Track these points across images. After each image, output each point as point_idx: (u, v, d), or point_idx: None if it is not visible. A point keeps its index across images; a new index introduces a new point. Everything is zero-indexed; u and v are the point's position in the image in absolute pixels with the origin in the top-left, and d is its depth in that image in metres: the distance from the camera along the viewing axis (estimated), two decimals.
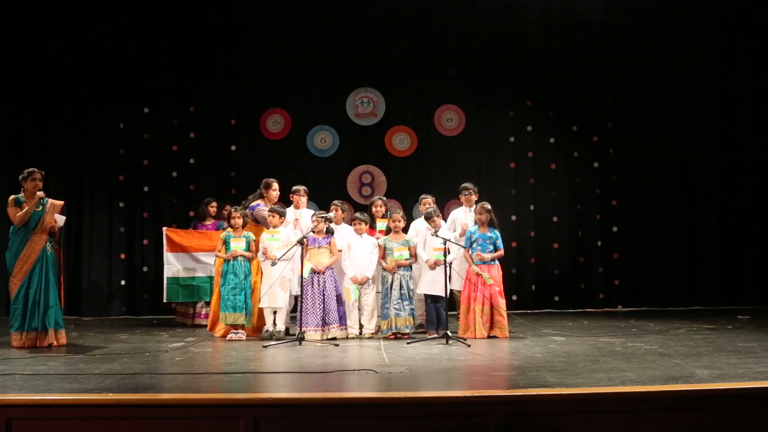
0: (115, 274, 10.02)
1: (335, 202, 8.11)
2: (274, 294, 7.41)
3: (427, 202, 8.07)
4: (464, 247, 7.51)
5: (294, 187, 8.20)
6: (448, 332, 6.89)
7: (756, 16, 10.36)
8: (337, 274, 7.60)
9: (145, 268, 10.04)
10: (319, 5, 10.25)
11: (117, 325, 8.81)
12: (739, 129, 10.52)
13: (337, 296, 7.39)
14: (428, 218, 7.61)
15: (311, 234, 7.42)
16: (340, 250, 7.63)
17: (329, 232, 7.53)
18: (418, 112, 10.54)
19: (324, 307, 7.27)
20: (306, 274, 7.21)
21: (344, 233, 7.86)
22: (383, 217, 8.07)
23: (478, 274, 7.33)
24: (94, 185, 10.13)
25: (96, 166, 10.12)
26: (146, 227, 10.11)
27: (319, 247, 7.44)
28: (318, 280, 7.32)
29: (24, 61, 10.02)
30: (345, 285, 7.57)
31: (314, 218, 7.57)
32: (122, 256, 10.05)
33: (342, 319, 7.40)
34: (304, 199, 8.18)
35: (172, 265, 8.54)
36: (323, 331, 7.22)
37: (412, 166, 10.47)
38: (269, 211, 7.65)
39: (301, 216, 8.08)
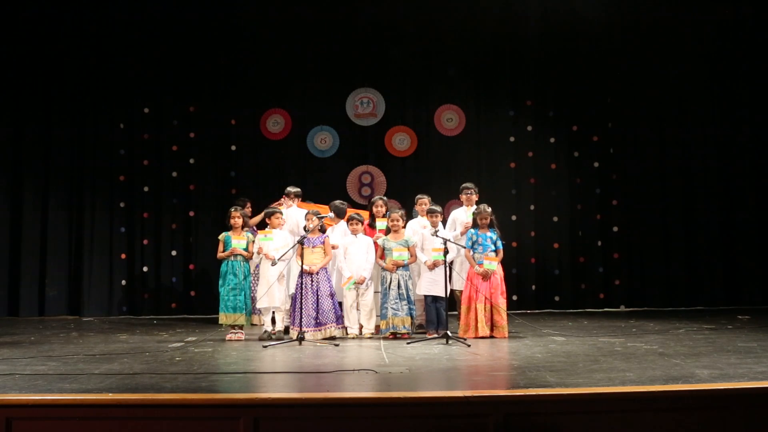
0: (115, 275, 10.01)
1: (335, 202, 8.12)
2: (273, 294, 7.41)
3: (424, 202, 8.03)
4: (465, 248, 7.50)
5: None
6: (448, 332, 6.88)
7: (757, 17, 10.36)
8: (335, 274, 7.61)
9: (145, 269, 10.04)
10: (319, 5, 10.25)
11: (117, 325, 8.82)
12: (740, 128, 10.49)
13: (332, 296, 7.38)
14: (431, 213, 7.59)
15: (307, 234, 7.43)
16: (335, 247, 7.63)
17: (322, 231, 7.52)
18: (418, 112, 10.52)
19: (318, 307, 7.26)
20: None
21: (343, 233, 7.87)
22: (384, 216, 8.06)
23: (485, 272, 7.31)
24: (95, 185, 10.11)
25: (96, 167, 10.11)
26: (146, 227, 10.10)
27: (313, 247, 7.43)
28: (312, 281, 7.32)
29: (25, 61, 10.01)
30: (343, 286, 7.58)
31: (308, 217, 7.58)
32: (123, 256, 10.04)
33: (339, 319, 7.39)
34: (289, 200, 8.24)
35: None
36: (319, 331, 7.22)
37: (412, 166, 10.45)
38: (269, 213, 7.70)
39: (289, 216, 8.06)
